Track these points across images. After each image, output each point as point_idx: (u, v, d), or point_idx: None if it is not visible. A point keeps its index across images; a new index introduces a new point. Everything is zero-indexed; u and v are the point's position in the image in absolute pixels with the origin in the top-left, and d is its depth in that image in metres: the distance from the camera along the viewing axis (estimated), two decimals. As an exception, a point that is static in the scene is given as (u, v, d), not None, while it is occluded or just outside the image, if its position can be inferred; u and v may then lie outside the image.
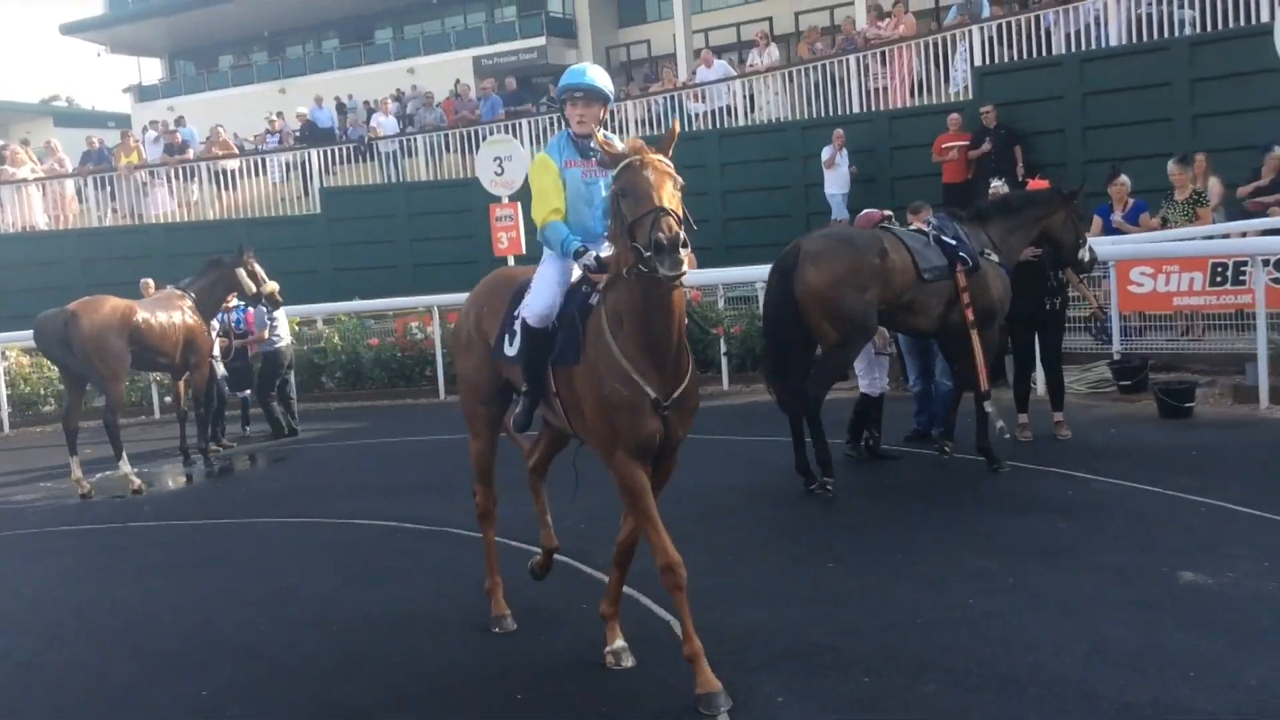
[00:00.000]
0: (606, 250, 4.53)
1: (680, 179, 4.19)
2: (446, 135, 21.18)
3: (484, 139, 17.94)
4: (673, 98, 19.81)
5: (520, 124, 20.37)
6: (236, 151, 22.69)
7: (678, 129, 4.42)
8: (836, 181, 16.78)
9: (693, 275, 6.10)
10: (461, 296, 14.69)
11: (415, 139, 21.49)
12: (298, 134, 23.03)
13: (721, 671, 4.41)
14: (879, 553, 6.11)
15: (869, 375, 8.38)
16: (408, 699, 4.65)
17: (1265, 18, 13.53)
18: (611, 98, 4.84)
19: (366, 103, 25.57)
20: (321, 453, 11.26)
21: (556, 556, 5.74)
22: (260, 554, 7.24)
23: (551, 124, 20.70)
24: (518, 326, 4.80)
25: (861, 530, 6.64)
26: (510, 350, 4.88)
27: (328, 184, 21.27)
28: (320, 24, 38.08)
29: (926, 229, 7.82)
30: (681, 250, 3.91)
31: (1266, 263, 9.51)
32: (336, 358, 14.98)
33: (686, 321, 4.40)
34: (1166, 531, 6.05)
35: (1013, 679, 4.32)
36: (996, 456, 7.73)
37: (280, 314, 12.08)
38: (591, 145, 4.65)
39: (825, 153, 16.73)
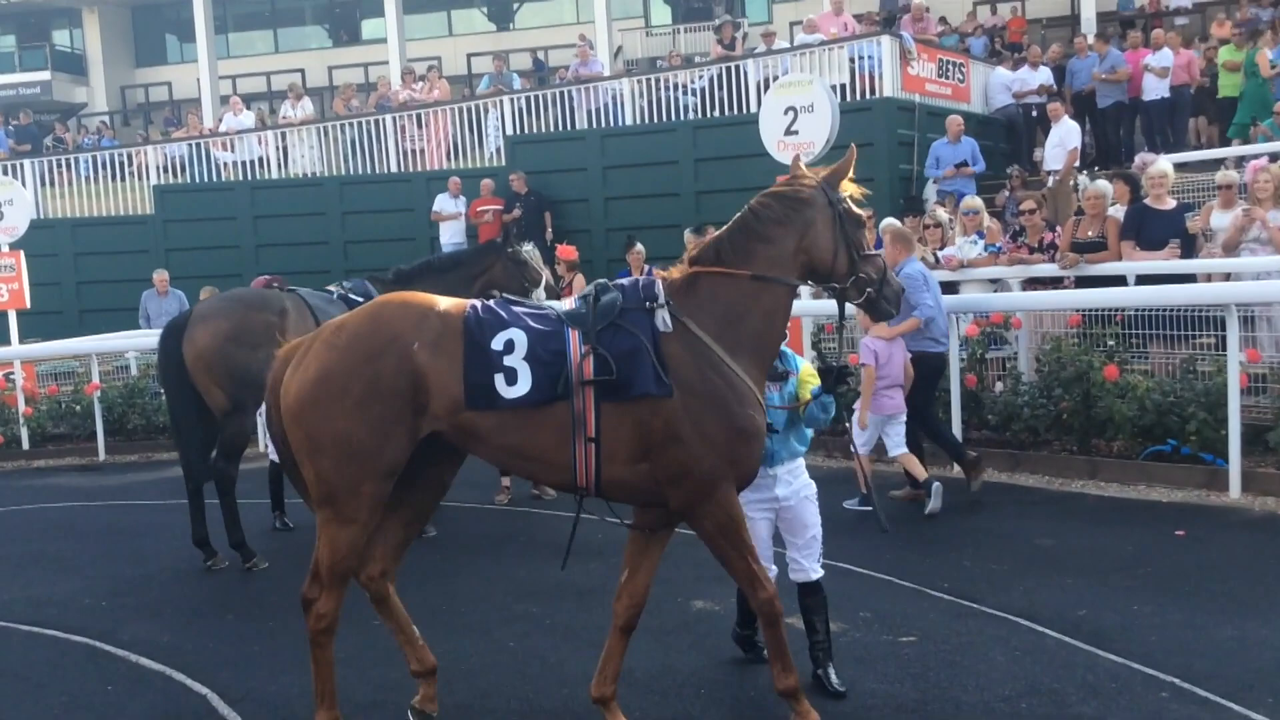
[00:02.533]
0: None
1: None
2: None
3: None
4: (199, 145, 18.94)
5: (23, 165, 18.52)
6: None
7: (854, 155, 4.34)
8: (454, 231, 16.56)
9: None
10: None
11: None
12: None
13: (265, 740, 4.34)
14: (423, 607, 6.20)
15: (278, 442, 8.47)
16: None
17: (754, 108, 15.44)
18: None
19: None
20: None
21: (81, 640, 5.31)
22: None
23: (59, 166, 19.06)
24: (517, 362, 4.01)
25: (402, 586, 6.68)
26: (517, 390, 4.01)
27: None
28: None
29: (342, 289, 8.00)
30: None
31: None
32: None
33: None
34: (681, 566, 6.65)
35: (548, 710, 4.62)
36: None
37: None
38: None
39: (441, 202, 16.61)
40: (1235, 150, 13.27)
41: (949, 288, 10.18)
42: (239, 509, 7.28)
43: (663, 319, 4.05)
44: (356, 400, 4.03)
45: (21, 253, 13.20)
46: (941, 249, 10.56)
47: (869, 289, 4.26)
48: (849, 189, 4.31)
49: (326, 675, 4.35)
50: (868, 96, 15.00)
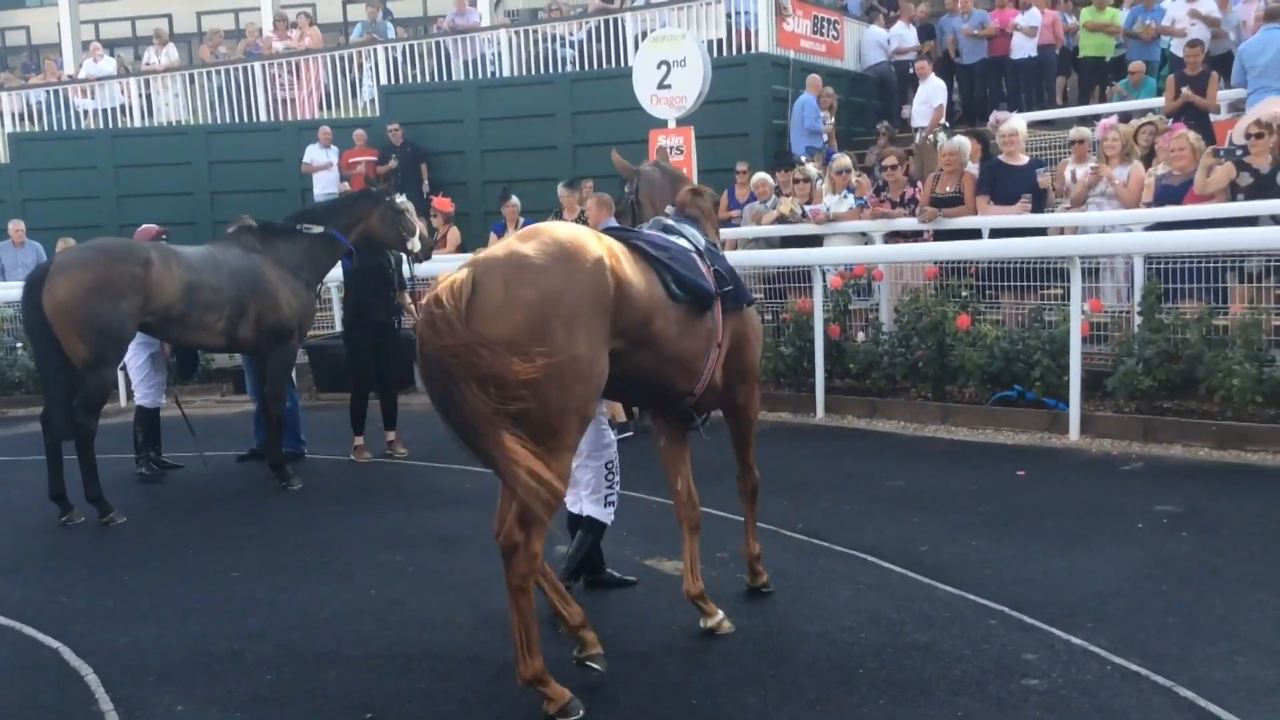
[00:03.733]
0: None
1: None
2: None
3: None
4: (57, 92, 18.15)
5: None
6: None
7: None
8: (326, 182, 16.06)
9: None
10: None
11: None
12: None
13: (115, 689, 4.32)
14: (286, 557, 6.20)
15: (145, 387, 8.49)
16: None
17: (631, 62, 15.45)
18: None
19: None
20: None
21: None
22: None
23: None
24: (683, 269, 4.40)
25: (266, 538, 6.67)
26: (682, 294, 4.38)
27: None
28: None
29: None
30: None
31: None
32: None
33: None
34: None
35: (405, 655, 4.67)
36: (287, 473, 7.83)
37: None
38: None
39: (312, 153, 16.16)
40: (1092, 109, 13.77)
41: (817, 241, 10.46)
42: (97, 463, 7.13)
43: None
44: (586, 320, 3.90)
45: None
46: (809, 203, 10.79)
47: None
48: None
49: (532, 623, 4.03)
50: (744, 52, 15.13)
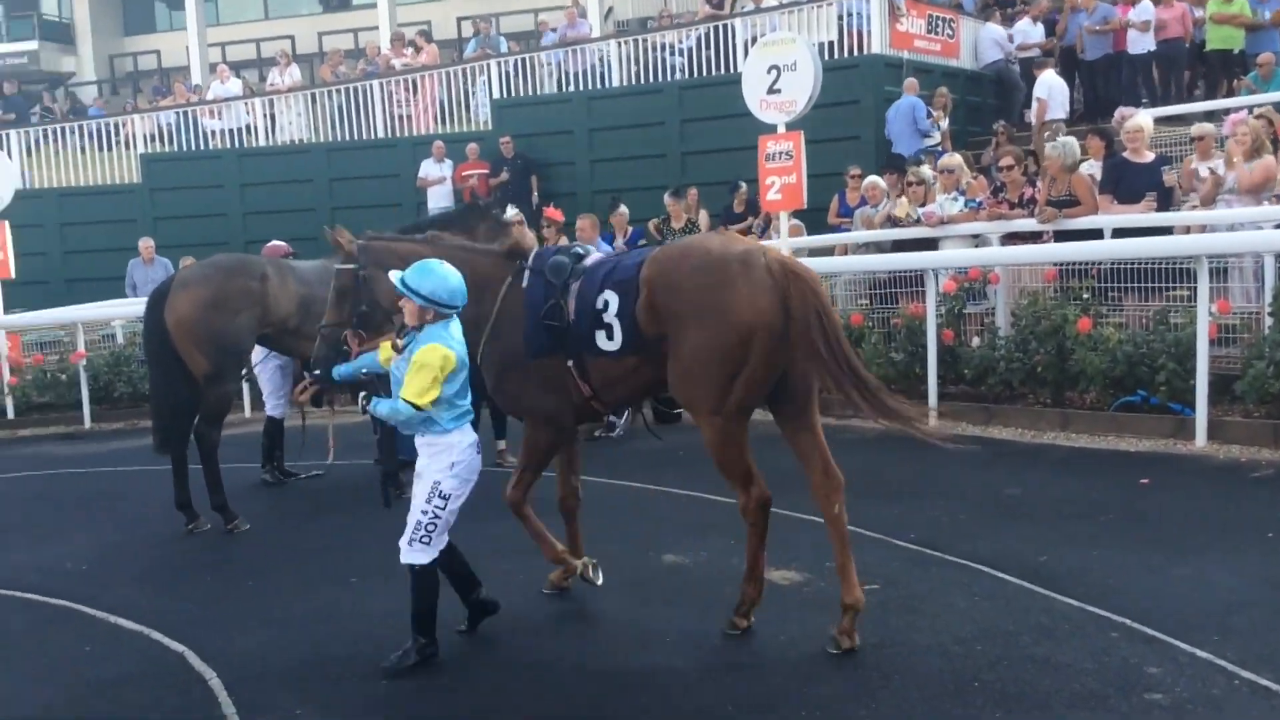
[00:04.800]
0: None
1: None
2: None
3: (-37, 150, 16.08)
4: (186, 113, 18.91)
5: (9, 135, 18.51)
6: None
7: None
8: (440, 196, 16.41)
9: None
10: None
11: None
12: None
13: (237, 693, 4.48)
14: (394, 567, 6.30)
15: (275, 398, 8.74)
16: None
17: (741, 68, 15.39)
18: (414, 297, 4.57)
19: None
20: None
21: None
22: None
23: (46, 136, 19.04)
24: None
25: (384, 545, 6.75)
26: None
27: None
28: None
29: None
30: None
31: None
32: None
33: None
34: (656, 522, 6.78)
35: (513, 662, 4.73)
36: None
37: None
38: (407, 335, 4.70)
39: (426, 168, 16.50)
40: (1220, 103, 13.23)
41: (929, 244, 10.25)
42: (221, 473, 7.37)
43: None
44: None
45: (7, 223, 13.21)
46: (923, 206, 10.59)
47: None
48: None
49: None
50: (855, 54, 14.95)
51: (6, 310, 13.19)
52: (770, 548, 5.78)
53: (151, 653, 5.16)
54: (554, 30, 19.08)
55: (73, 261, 17.92)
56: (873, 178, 11.50)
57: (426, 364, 4.45)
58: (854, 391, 4.63)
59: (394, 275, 4.63)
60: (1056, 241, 9.41)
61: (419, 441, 4.68)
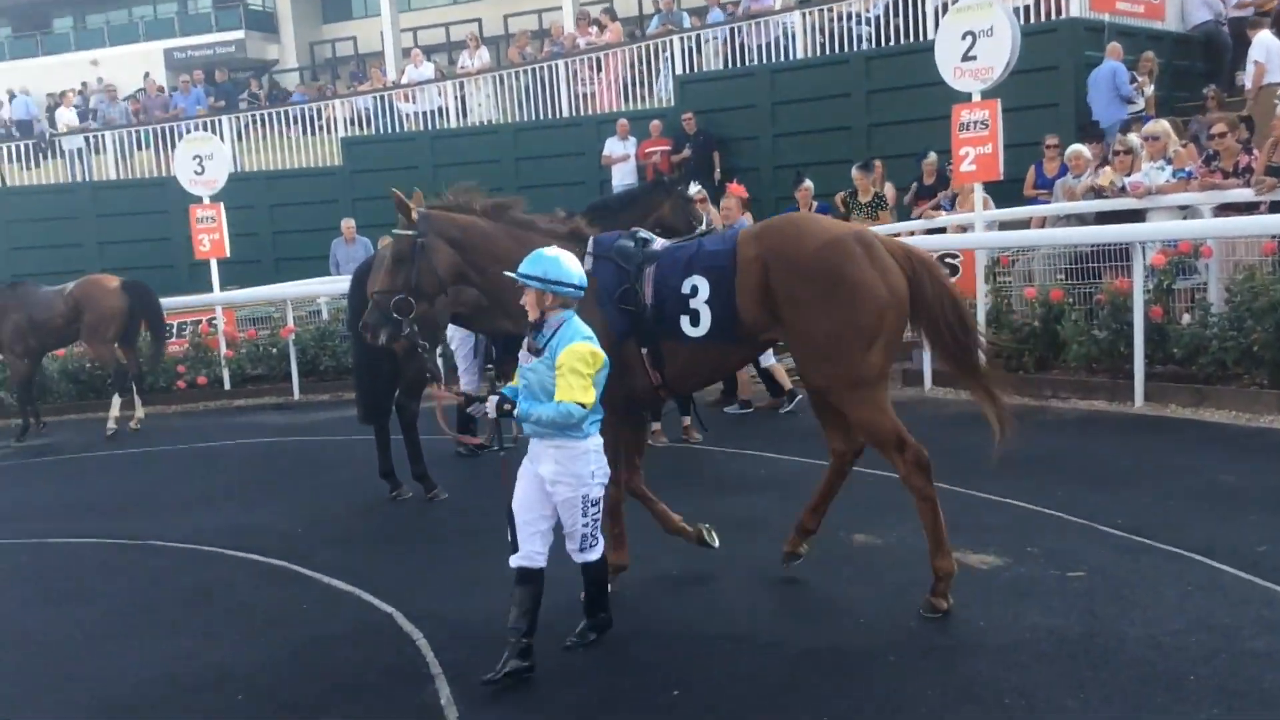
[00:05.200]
0: None
1: None
2: (138, 132, 20.09)
3: (180, 136, 17.14)
4: (382, 98, 19.65)
5: (220, 120, 19.61)
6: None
7: None
8: (624, 173, 16.56)
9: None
10: (163, 301, 14.12)
11: (104, 135, 20.24)
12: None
13: (443, 653, 4.66)
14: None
15: (468, 375, 8.97)
16: (117, 709, 4.54)
17: (931, 36, 14.96)
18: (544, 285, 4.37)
19: (51, 95, 23.85)
20: (7, 470, 10.50)
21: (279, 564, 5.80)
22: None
23: (254, 121, 20.08)
24: None
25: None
26: None
27: (7, 183, 19.74)
28: (-9, 10, 35.04)
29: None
30: None
31: (930, 259, 10.58)
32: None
33: None
34: (843, 501, 6.60)
35: (706, 636, 4.74)
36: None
37: None
38: (531, 333, 4.47)
39: (610, 146, 16.72)
40: None
41: (1135, 216, 9.77)
42: (421, 443, 7.66)
43: None
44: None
45: (222, 204, 14.05)
46: (1129, 176, 10.09)
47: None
48: None
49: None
50: (1053, 18, 14.32)
51: (222, 288, 14.04)
52: (966, 531, 5.69)
53: (362, 613, 5.43)
54: (734, 4, 18.95)
55: (281, 241, 18.89)
56: (1077, 146, 11.02)
57: (577, 363, 4.25)
58: (965, 375, 4.96)
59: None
60: (1274, 212, 8.82)
61: (547, 446, 4.38)
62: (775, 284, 4.70)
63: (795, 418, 9.43)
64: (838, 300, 4.60)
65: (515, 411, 4.35)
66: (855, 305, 4.58)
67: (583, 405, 4.25)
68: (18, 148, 20.30)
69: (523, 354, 4.45)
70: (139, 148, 20.00)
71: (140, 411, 11.93)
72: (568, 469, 4.39)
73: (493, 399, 4.43)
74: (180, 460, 10.10)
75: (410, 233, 5.18)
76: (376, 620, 5.30)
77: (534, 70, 18.60)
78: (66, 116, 20.97)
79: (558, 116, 18.23)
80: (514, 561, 4.43)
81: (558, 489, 4.40)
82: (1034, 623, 4.61)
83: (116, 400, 11.76)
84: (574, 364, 4.24)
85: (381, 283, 5.31)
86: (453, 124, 19.08)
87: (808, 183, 12.61)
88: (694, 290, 4.83)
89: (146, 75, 24.71)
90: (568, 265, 4.37)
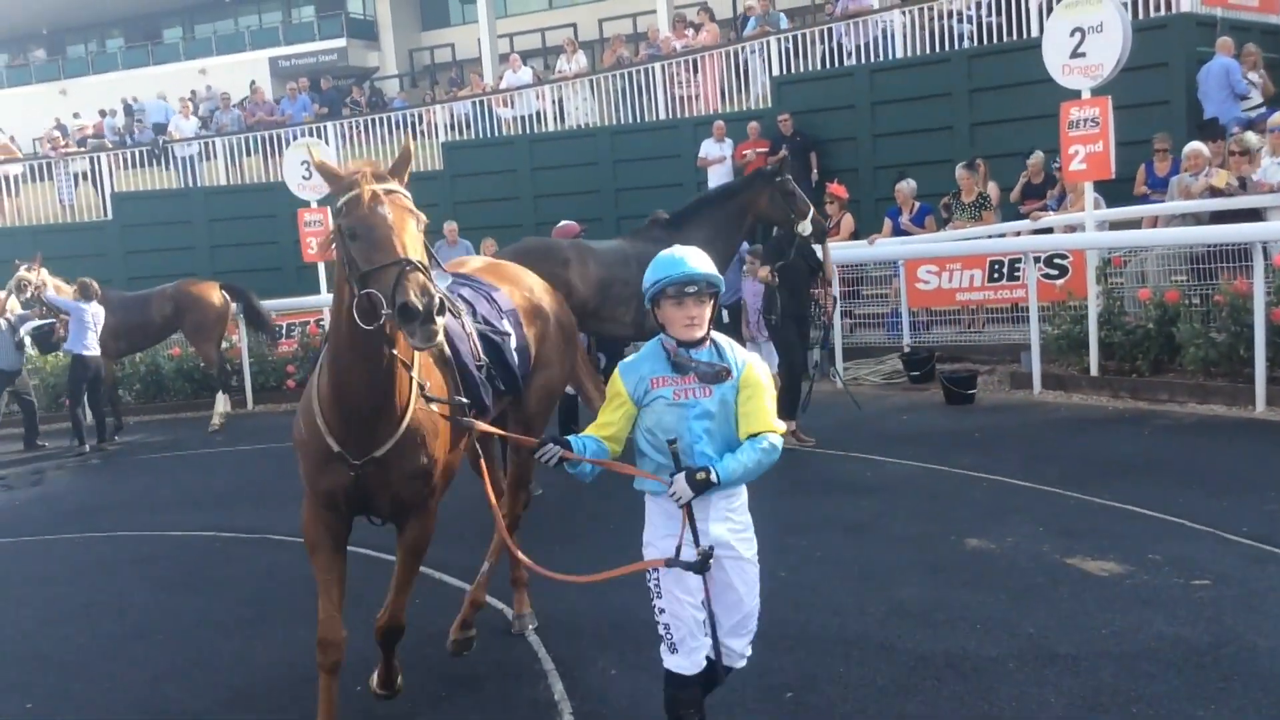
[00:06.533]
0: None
1: (423, 216, 3.61)
2: (247, 138, 20.66)
3: (287, 143, 17.58)
4: (481, 103, 19.92)
5: (325, 127, 20.06)
6: (19, 155, 21.51)
7: (412, 149, 3.80)
8: (720, 175, 16.35)
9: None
10: (272, 303, 14.49)
11: (215, 142, 20.86)
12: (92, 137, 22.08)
13: (554, 649, 4.74)
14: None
15: None
16: (245, 699, 4.68)
17: (1035, 33, 14.67)
18: (722, 287, 3.57)
19: (162, 100, 24.71)
20: (128, 465, 10.88)
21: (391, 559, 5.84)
22: (75, 569, 7.01)
23: (358, 127, 20.49)
24: None
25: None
26: None
27: (119, 189, 20.44)
28: (104, 22, 36.34)
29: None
30: (437, 320, 3.30)
31: (1037, 259, 10.39)
32: (135, 369, 14.45)
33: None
34: (954, 504, 6.60)
35: (819, 638, 4.71)
36: None
37: (95, 321, 11.64)
38: (693, 356, 3.42)
39: (707, 148, 16.68)
40: None
41: (1254, 215, 9.46)
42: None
43: None
44: None
45: (328, 209, 14.32)
46: (1253, 174, 9.77)
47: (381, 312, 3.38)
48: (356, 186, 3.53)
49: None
50: (1164, 12, 13.93)
51: (329, 290, 14.34)
52: (1084, 536, 5.59)
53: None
54: (833, 3, 18.79)
55: (383, 244, 19.18)
56: (1195, 144, 10.69)
57: (765, 384, 3.44)
58: None
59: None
60: None
61: (718, 502, 3.47)
62: None
63: (904, 421, 9.32)
64: None
65: (713, 477, 3.33)
66: None
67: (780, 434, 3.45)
68: (133, 154, 21.00)
69: (680, 389, 3.42)
70: (248, 154, 20.55)
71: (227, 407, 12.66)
72: (743, 522, 3.58)
73: (552, 449, 3.55)
74: (292, 457, 10.31)
75: None
76: (487, 616, 5.36)
77: (630, 73, 18.67)
78: (185, 125, 21.65)
79: (654, 119, 18.27)
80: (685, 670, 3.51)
81: (740, 562, 3.55)
82: (1159, 631, 4.49)
83: (223, 397, 12.35)
84: (762, 383, 3.42)
85: None
86: (550, 128, 19.24)
87: (910, 182, 12.46)
88: None
89: (253, 83, 25.40)
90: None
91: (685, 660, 3.49)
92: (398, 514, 4.09)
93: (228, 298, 12.72)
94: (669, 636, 3.50)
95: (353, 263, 3.46)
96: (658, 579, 3.51)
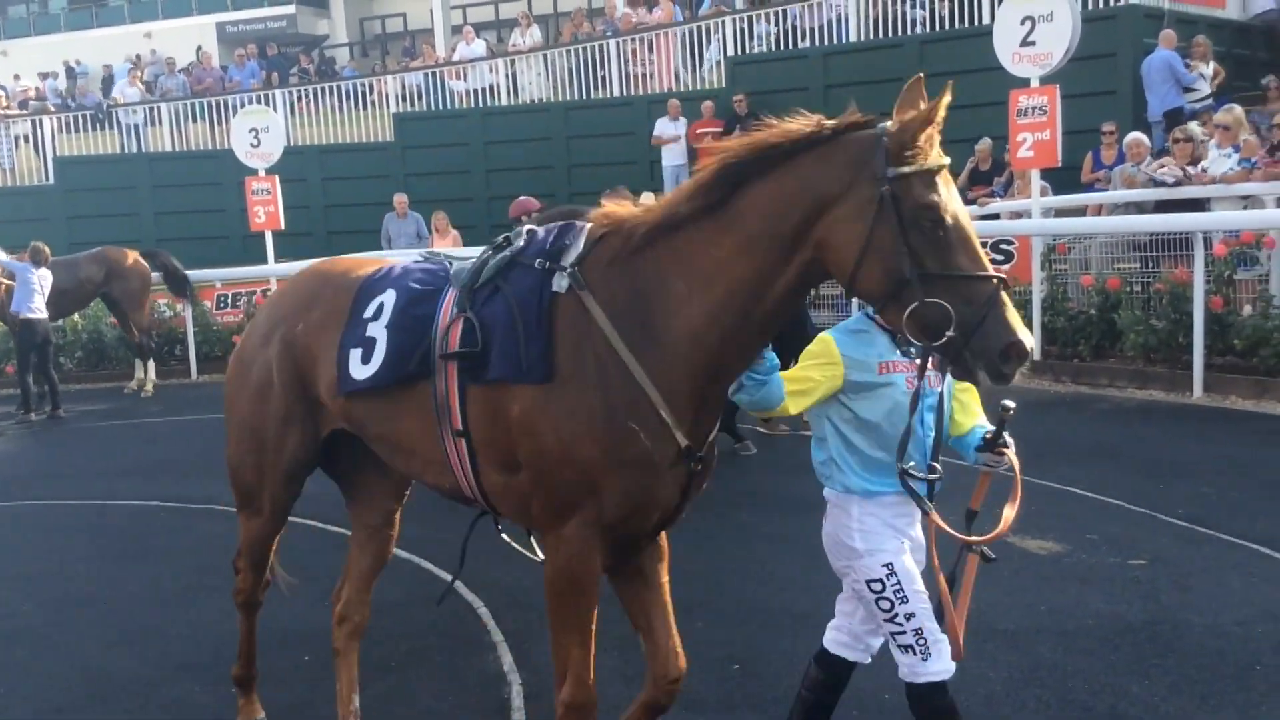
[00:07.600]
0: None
1: None
2: (193, 104, 20.31)
3: (234, 110, 17.32)
4: (433, 74, 19.73)
5: (274, 94, 19.78)
6: (-44, 116, 20.99)
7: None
8: (674, 154, 16.53)
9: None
10: (218, 272, 14.35)
11: (160, 107, 20.48)
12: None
13: (504, 622, 4.71)
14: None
15: None
16: (192, 667, 4.66)
17: (986, 20, 14.81)
18: None
19: (108, 67, 24.18)
20: (71, 434, 10.72)
21: (337, 530, 5.81)
22: (17, 537, 6.94)
23: (307, 95, 20.23)
24: (379, 333, 3.19)
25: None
26: (367, 370, 3.21)
27: (61, 153, 20.03)
28: (47, -19, 35.41)
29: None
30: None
31: (984, 244, 10.52)
32: (77, 337, 14.23)
33: None
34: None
35: (770, 610, 4.81)
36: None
37: (41, 285, 11.44)
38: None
39: (661, 126, 16.68)
40: None
41: (1197, 205, 9.67)
42: None
43: (560, 283, 2.90)
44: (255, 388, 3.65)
45: (277, 177, 14.18)
46: (1191, 165, 9.98)
47: (945, 331, 2.56)
48: (927, 155, 2.67)
49: None
50: (1113, 4, 14.15)
51: (276, 260, 14.19)
52: (1025, 516, 5.64)
53: (424, 579, 5.53)
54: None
55: (333, 215, 19.02)
56: (1136, 134, 10.90)
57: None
58: None
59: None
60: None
61: (874, 506, 3.20)
62: None
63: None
64: None
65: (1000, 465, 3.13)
66: None
67: None
68: (75, 118, 20.56)
69: (911, 376, 3.01)
70: (194, 120, 20.22)
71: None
72: (883, 532, 3.28)
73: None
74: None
75: None
76: (438, 588, 5.36)
77: (585, 49, 18.60)
78: (131, 91, 21.20)
79: (609, 96, 18.23)
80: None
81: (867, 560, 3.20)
82: (1096, 609, 4.61)
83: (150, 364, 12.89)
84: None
85: None
86: (504, 101, 19.13)
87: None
88: None
89: (199, 49, 24.91)
90: None
91: (941, 663, 3.07)
92: (669, 523, 3.20)
93: (146, 265, 12.99)
94: (920, 644, 3.05)
95: (913, 254, 2.58)
96: (897, 585, 3.07)
